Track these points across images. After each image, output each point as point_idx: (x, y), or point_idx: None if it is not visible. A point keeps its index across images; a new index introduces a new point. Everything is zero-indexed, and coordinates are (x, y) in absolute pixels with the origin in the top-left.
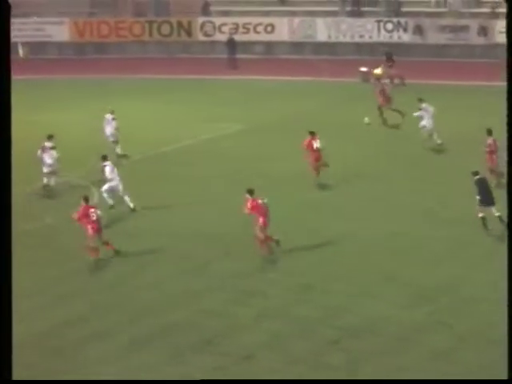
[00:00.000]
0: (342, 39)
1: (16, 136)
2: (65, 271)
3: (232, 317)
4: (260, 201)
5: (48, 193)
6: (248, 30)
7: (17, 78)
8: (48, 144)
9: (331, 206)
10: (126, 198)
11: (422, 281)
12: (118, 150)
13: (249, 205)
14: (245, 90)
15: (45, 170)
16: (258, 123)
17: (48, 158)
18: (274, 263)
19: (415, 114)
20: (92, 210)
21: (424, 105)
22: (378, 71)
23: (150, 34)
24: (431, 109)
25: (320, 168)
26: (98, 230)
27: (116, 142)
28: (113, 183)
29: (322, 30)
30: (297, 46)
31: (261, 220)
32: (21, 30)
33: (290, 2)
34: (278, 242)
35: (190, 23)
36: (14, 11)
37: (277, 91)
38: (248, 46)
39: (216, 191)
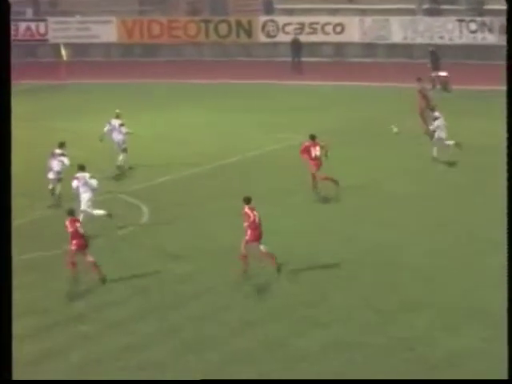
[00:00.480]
0: (419, 40)
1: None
2: (115, 296)
3: (293, 348)
4: (256, 213)
5: (56, 201)
6: (315, 30)
7: (59, 83)
8: (58, 151)
9: (387, 221)
10: (96, 212)
11: (493, 308)
12: (122, 160)
13: (248, 213)
14: (311, 96)
15: (50, 176)
16: (326, 132)
17: (56, 166)
18: (338, 288)
19: (434, 124)
20: (79, 224)
21: (437, 113)
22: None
23: (206, 35)
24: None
25: (325, 180)
26: (83, 247)
27: (124, 151)
28: (85, 197)
29: (397, 31)
30: (369, 48)
31: (250, 234)
32: (63, 30)
33: (361, 0)
34: (279, 267)
35: (250, 23)
36: (54, 9)
37: (347, 97)
38: (315, 47)
39: (279, 207)
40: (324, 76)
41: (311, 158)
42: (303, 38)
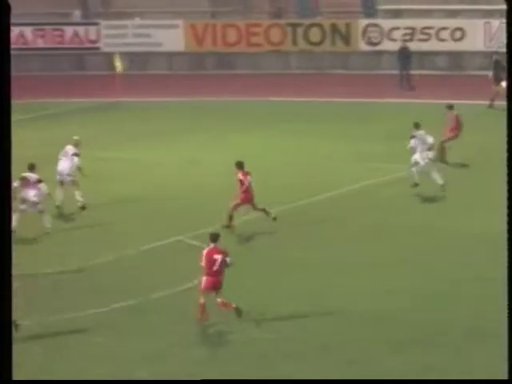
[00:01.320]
0: None
1: (111, 180)
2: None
3: None
4: (218, 256)
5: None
6: (428, 36)
7: (112, 101)
8: (31, 176)
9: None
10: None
11: None
12: (79, 197)
13: (203, 254)
14: (423, 117)
15: (22, 206)
16: (440, 164)
17: (33, 195)
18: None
19: (409, 145)
20: None
21: (420, 132)
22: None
23: (294, 42)
24: (430, 139)
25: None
26: None
27: (74, 184)
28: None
29: None
30: None
31: (205, 280)
32: (118, 37)
33: None
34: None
35: (348, 27)
36: (108, 11)
37: (468, 119)
38: (428, 57)
39: (374, 257)
40: (439, 93)
41: (245, 190)
42: (413, 46)
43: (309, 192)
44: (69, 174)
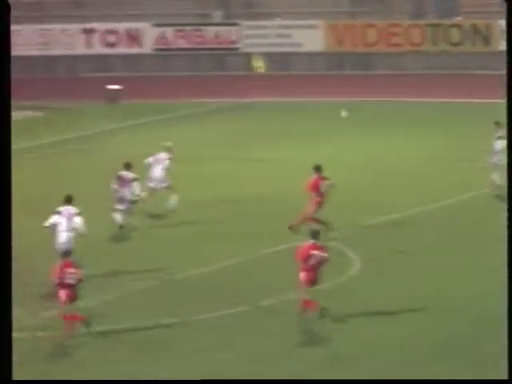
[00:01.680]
0: None
1: (243, 179)
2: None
3: None
4: (317, 252)
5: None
6: None
7: (252, 102)
8: (127, 174)
9: None
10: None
11: None
12: (174, 201)
13: (299, 248)
14: None
15: (120, 206)
16: None
17: (128, 193)
18: None
19: (497, 146)
20: (71, 270)
21: (501, 132)
22: None
23: (434, 42)
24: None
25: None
26: (73, 298)
27: (168, 188)
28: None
29: None
30: None
31: (301, 275)
32: (258, 37)
33: None
34: (323, 312)
35: (488, 27)
36: (248, 11)
37: None
38: None
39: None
40: None
41: (319, 194)
42: None
43: (447, 193)
44: (162, 181)
